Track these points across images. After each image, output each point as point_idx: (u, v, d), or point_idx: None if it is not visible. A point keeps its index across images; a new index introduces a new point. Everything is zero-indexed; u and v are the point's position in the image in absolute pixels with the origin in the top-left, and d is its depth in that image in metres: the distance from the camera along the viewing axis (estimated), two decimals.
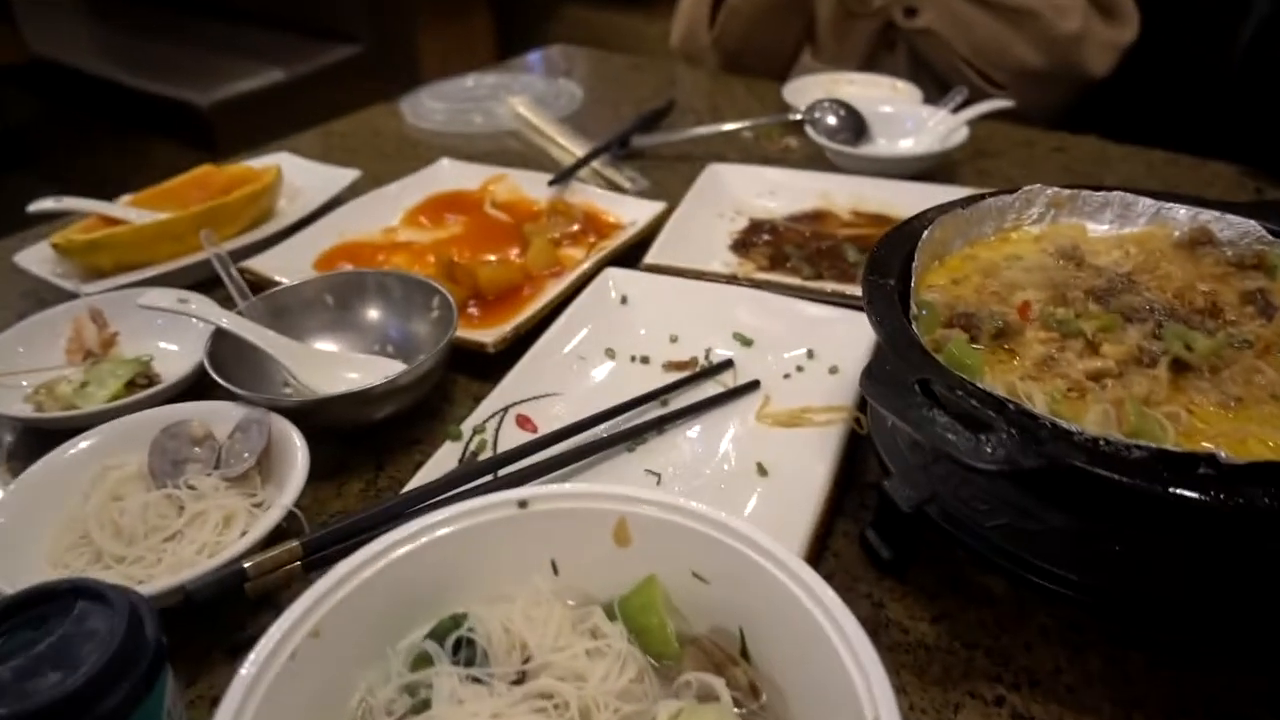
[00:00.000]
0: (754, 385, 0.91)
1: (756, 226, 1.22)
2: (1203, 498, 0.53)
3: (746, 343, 0.97)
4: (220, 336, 0.87)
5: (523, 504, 0.59)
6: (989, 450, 0.56)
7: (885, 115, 1.47)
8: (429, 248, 1.18)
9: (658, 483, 0.80)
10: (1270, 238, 0.80)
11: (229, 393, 0.81)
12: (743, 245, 1.18)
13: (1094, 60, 1.73)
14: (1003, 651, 0.67)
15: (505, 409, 0.87)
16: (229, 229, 1.18)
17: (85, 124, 4.04)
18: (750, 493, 0.79)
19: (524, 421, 0.86)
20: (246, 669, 0.48)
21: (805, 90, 1.62)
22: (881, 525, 0.74)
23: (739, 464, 0.82)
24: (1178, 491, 0.53)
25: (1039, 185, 0.87)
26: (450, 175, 1.37)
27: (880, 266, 0.75)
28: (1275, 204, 0.84)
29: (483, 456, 0.82)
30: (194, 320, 0.89)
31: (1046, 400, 0.63)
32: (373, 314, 0.97)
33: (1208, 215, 0.83)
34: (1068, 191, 0.87)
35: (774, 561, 0.54)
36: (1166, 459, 0.56)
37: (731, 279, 1.07)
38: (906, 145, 1.44)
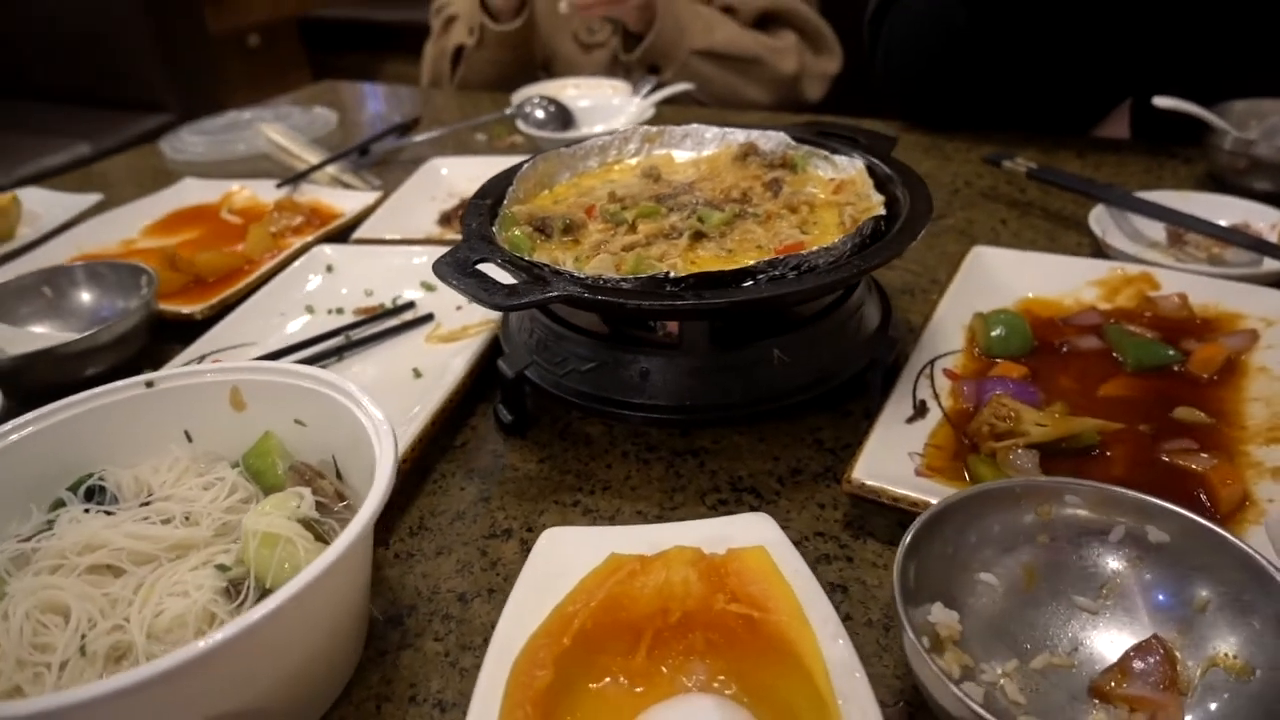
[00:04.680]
0: (428, 318, 1.07)
1: (464, 203, 1.39)
2: (651, 305, 0.72)
3: (430, 288, 1.13)
4: None
5: (150, 384, 0.73)
6: (507, 294, 0.73)
7: (587, 108, 1.69)
8: (163, 250, 1.30)
9: None
10: (795, 144, 1.02)
11: None
12: (447, 218, 1.35)
13: (810, 90, 2.04)
14: (588, 473, 0.85)
15: (201, 358, 1.00)
16: None
17: None
18: (404, 390, 0.94)
19: None
20: None
21: (532, 95, 1.82)
22: (505, 398, 0.91)
23: (402, 373, 0.98)
24: (636, 303, 0.72)
25: (636, 125, 1.08)
26: (193, 192, 1.50)
27: (484, 192, 0.94)
28: (811, 123, 1.07)
29: None
30: None
31: (572, 262, 0.82)
32: (86, 298, 1.09)
33: (756, 134, 1.05)
34: (655, 128, 1.08)
35: (345, 395, 0.70)
36: (643, 283, 0.75)
37: (425, 240, 1.24)
38: (600, 129, 1.65)
